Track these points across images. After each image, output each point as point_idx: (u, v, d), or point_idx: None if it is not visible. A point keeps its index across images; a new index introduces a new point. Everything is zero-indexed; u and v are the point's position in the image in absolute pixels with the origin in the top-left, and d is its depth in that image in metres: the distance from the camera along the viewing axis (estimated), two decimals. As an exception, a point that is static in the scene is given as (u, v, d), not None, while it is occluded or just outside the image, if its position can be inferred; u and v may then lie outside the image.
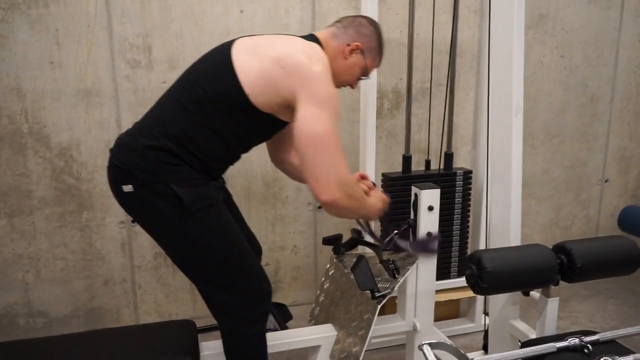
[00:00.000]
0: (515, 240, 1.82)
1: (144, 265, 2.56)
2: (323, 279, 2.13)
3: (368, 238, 1.94)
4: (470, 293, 2.41)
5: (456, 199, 2.36)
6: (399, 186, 2.24)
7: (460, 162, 2.88)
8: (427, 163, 2.38)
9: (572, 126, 3.12)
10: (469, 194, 2.39)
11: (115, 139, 1.52)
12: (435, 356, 1.26)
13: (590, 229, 3.34)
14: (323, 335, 1.85)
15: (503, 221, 1.84)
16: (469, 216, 2.42)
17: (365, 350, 1.69)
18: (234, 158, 1.58)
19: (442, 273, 2.38)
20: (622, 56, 3.10)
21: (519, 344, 1.72)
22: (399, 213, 2.20)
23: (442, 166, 2.37)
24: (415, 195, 1.88)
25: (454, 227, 2.38)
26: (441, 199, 1.88)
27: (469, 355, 1.30)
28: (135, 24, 2.34)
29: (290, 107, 1.41)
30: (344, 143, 2.70)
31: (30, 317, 2.47)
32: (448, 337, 2.09)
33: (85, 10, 2.27)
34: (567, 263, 1.49)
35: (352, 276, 1.90)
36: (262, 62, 1.41)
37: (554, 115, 3.06)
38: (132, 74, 2.38)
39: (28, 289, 2.43)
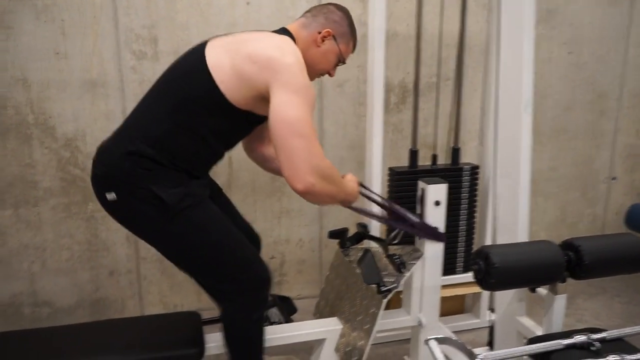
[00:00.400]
0: (522, 237, 1.81)
1: (149, 257, 2.56)
2: (328, 272, 2.13)
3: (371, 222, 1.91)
4: (475, 289, 2.41)
5: (462, 194, 2.35)
6: (406, 180, 2.23)
7: (467, 157, 2.86)
8: (434, 158, 2.37)
9: (579, 123, 3.10)
10: (476, 189, 2.38)
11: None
12: (441, 351, 1.25)
13: (596, 227, 3.32)
14: (328, 328, 1.85)
15: (510, 217, 1.83)
16: (475, 211, 2.41)
17: (370, 345, 1.69)
18: (217, 157, 1.58)
19: (448, 268, 2.37)
20: (631, 53, 3.07)
21: (524, 340, 1.71)
22: (406, 208, 2.19)
23: (448, 161, 2.36)
24: (422, 190, 1.87)
25: (460, 222, 2.37)
26: (448, 194, 1.87)
27: (475, 350, 1.29)
28: (141, 15, 2.33)
29: (265, 100, 1.41)
30: (350, 137, 2.70)
31: (36, 307, 2.47)
32: (453, 332, 2.08)
33: (91, 1, 2.26)
34: (575, 260, 1.48)
35: (357, 270, 1.89)
36: (234, 60, 1.41)
37: (561, 111, 3.04)
38: (138, 65, 2.37)
39: (33, 279, 2.44)
